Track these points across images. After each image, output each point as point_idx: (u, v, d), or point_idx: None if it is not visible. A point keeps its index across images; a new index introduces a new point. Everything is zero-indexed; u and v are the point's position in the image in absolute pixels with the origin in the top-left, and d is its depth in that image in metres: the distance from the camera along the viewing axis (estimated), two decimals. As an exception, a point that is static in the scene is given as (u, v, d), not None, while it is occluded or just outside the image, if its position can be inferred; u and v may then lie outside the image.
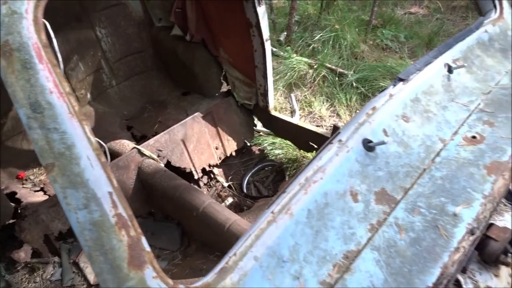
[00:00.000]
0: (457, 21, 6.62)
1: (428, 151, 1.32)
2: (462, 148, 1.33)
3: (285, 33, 5.05)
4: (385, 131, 1.33)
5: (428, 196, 1.19)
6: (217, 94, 3.61)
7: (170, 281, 0.90)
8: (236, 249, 1.01)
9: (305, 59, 4.64)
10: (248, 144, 3.67)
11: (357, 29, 5.06)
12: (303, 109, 4.29)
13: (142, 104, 3.68)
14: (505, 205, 1.38)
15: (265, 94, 3.34)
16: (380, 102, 1.39)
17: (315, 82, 4.50)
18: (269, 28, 5.41)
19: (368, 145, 1.26)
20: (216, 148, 3.38)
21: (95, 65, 3.42)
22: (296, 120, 3.59)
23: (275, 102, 4.40)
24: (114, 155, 2.89)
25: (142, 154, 2.84)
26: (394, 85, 1.47)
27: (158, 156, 2.92)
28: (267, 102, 3.38)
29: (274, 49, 4.93)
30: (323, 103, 4.29)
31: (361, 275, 1.02)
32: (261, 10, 2.81)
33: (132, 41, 3.58)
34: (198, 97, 3.64)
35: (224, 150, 3.43)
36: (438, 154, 1.32)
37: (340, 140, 1.26)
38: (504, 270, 1.22)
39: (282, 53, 4.76)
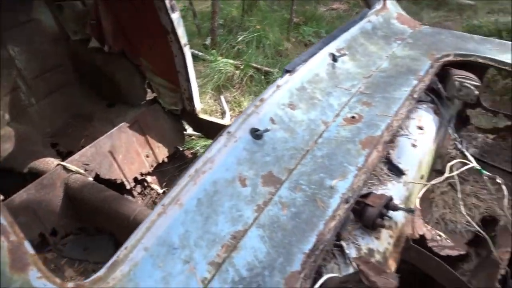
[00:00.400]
0: (375, 13, 6.98)
1: (312, 133, 1.45)
2: (342, 128, 1.47)
3: (210, 37, 5.13)
4: (272, 120, 1.44)
5: (309, 174, 1.31)
6: (143, 103, 3.62)
7: (58, 280, 0.95)
8: (127, 243, 1.07)
9: (231, 61, 4.74)
10: (180, 149, 3.71)
11: (279, 28, 5.24)
12: (233, 109, 4.39)
13: (66, 120, 3.63)
14: (388, 175, 1.53)
15: (190, 98, 3.39)
16: (268, 94, 1.50)
17: (243, 82, 4.62)
18: (194, 33, 5.50)
19: (256, 134, 1.36)
20: (147, 156, 3.40)
21: (10, 85, 3.34)
22: (224, 121, 3.68)
23: (205, 105, 4.47)
24: (39, 174, 2.84)
25: (68, 170, 2.82)
26: (282, 77, 1.59)
27: (86, 170, 2.91)
28: (193, 106, 3.44)
29: (200, 53, 5.00)
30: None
31: (247, 251, 1.11)
32: (175, 16, 2.87)
33: (48, 57, 3.52)
34: (124, 107, 3.64)
35: (156, 157, 3.45)
36: (320, 136, 1.45)
37: (229, 132, 1.35)
38: (384, 232, 1.37)
39: (208, 57, 4.84)
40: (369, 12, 2.07)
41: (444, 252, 1.75)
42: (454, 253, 1.75)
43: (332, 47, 1.78)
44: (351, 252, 1.25)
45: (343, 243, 1.25)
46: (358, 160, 1.34)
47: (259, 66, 4.73)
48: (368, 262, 1.09)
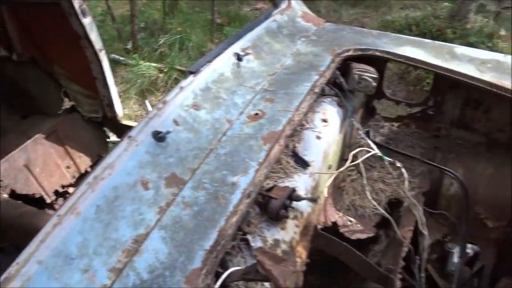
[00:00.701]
0: (297, 12, 7.18)
1: (216, 132, 1.47)
2: (246, 125, 1.50)
3: (131, 41, 5.03)
4: (175, 121, 1.44)
5: (212, 172, 1.33)
6: (60, 112, 3.48)
7: None
8: (19, 258, 1.03)
9: (154, 64, 4.68)
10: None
11: (202, 30, 5.24)
12: (159, 113, 4.33)
13: (-25, 136, 3.40)
14: (294, 168, 1.59)
15: (111, 105, 3.31)
16: (171, 96, 1.51)
17: (168, 86, 4.57)
18: (115, 37, 5.36)
19: (158, 136, 1.36)
20: (68, 167, 3.27)
21: None
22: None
23: (130, 111, 4.38)
24: None
25: (-22, 189, 2.65)
26: (186, 78, 1.60)
27: (-1, 187, 2.75)
28: (114, 112, 3.35)
29: (122, 58, 4.89)
30: (177, 104, 4.37)
31: (149, 254, 1.11)
32: (87, 21, 2.78)
33: (-49, 70, 3.28)
34: (40, 118, 3.47)
35: (77, 167, 3.34)
36: (224, 134, 1.48)
37: (130, 136, 1.34)
38: (290, 223, 1.42)
39: (130, 61, 4.74)
40: (274, 11, 2.13)
41: (354, 236, 1.85)
42: (363, 236, 1.86)
43: (237, 47, 1.81)
44: (257, 244, 1.29)
45: (249, 237, 1.29)
46: (260, 155, 1.38)
47: (183, 68, 4.71)
48: (267, 252, 1.13)
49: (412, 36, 5.31)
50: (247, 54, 1.79)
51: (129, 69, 4.66)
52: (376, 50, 2.03)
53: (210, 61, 1.70)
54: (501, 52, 4.79)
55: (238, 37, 1.88)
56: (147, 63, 4.64)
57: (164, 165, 1.32)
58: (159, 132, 1.37)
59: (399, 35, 2.24)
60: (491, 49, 4.99)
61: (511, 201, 2.04)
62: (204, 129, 1.47)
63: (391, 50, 2.02)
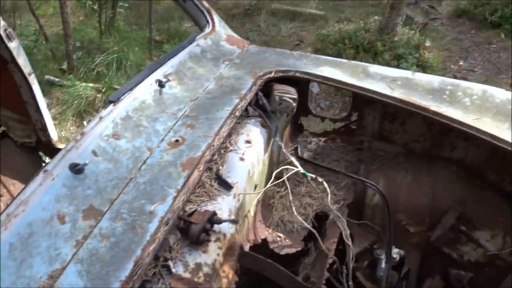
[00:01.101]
0: (238, 28, 7.30)
1: (136, 161, 1.50)
2: (166, 153, 1.54)
3: (66, 61, 4.93)
4: (94, 152, 1.46)
5: (130, 202, 1.36)
6: (-11, 139, 3.35)
7: None
8: None
9: (91, 84, 4.61)
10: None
11: (140, 48, 5.22)
12: (98, 134, 4.26)
13: None
14: (218, 190, 1.64)
15: (44, 129, 3.23)
16: (89, 127, 1.52)
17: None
18: (49, 57, 5.22)
19: (76, 169, 1.37)
20: (1, 196, 3.16)
21: None
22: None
23: (67, 133, 4.28)
24: None
25: None
26: (105, 108, 1.62)
27: None
28: (49, 136, 3.27)
29: (57, 79, 4.78)
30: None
31: (63, 289, 1.12)
32: (14, 45, 2.72)
33: None
34: (-33, 146, 3.33)
35: (11, 195, 3.22)
36: (144, 162, 1.51)
37: (45, 171, 1.34)
38: (212, 245, 1.47)
39: (65, 82, 4.64)
40: (198, 36, 2.19)
41: (284, 252, 1.93)
42: (292, 251, 1.94)
43: (159, 73, 1.85)
44: (179, 269, 1.32)
45: (170, 263, 1.32)
46: (178, 182, 1.42)
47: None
48: (182, 279, 1.18)
49: (346, 48, 5.54)
50: (169, 80, 1.83)
51: (65, 90, 4.56)
52: (297, 71, 2.14)
53: (131, 89, 1.73)
54: (427, 62, 5.11)
55: (161, 63, 1.92)
56: (84, 84, 4.57)
57: (81, 197, 1.34)
58: (76, 165, 1.38)
59: (318, 56, 2.37)
60: (418, 59, 5.32)
61: (429, 207, 2.20)
62: (124, 158, 1.50)
63: (310, 71, 2.14)
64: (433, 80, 2.13)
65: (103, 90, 4.56)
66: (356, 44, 5.41)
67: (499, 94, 2.05)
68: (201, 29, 2.33)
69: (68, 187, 1.34)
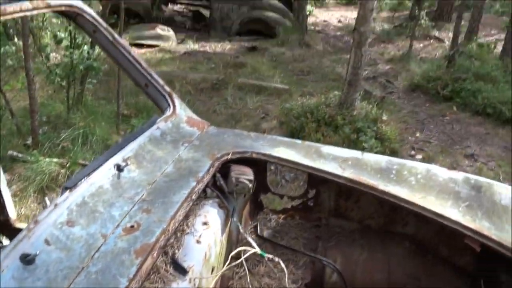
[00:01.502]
0: (206, 101, 7.55)
1: (89, 249, 1.50)
2: (120, 239, 1.56)
3: (31, 136, 4.92)
4: (47, 241, 1.46)
5: (80, 293, 1.35)
6: None
7: None
8: None
9: (55, 160, 4.59)
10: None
11: (107, 122, 5.30)
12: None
13: None
14: (173, 275, 1.64)
15: (2, 207, 3.17)
16: (43, 215, 1.53)
17: (70, 181, 4.47)
18: (14, 133, 5.21)
19: (26, 260, 1.36)
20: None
21: None
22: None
23: (27, 210, 4.18)
24: None
25: None
26: (61, 195, 1.64)
27: None
28: (7, 215, 3.20)
29: (21, 155, 4.74)
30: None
31: None
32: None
33: None
34: None
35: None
36: (98, 250, 1.51)
37: (-6, 263, 1.33)
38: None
39: (29, 158, 4.60)
40: (158, 119, 2.28)
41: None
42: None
43: (118, 157, 1.90)
44: None
45: None
46: (131, 270, 1.43)
47: (86, 163, 4.65)
48: None
49: (309, 122, 5.75)
50: (128, 164, 1.88)
51: (28, 166, 4.51)
52: (253, 152, 2.23)
53: (88, 175, 1.76)
54: (385, 135, 5.35)
55: (120, 147, 1.97)
56: (48, 159, 4.54)
57: (30, 289, 1.32)
58: (27, 255, 1.37)
59: (275, 136, 2.49)
60: (376, 132, 5.58)
61: (385, 283, 2.24)
62: (77, 246, 1.50)
63: (267, 152, 2.24)
64: (381, 160, 2.27)
65: (67, 165, 4.54)
66: (318, 118, 5.66)
67: (441, 173, 2.19)
68: (163, 112, 2.43)
69: (17, 279, 1.32)
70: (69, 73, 5.11)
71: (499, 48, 10.69)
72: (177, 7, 13.52)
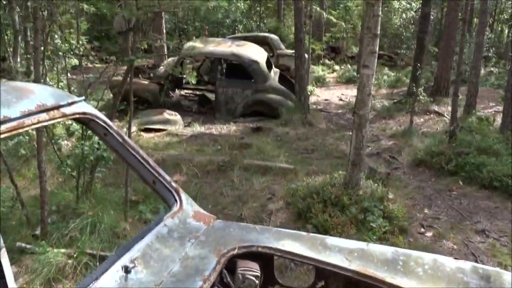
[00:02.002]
0: (212, 183, 7.64)
1: None
2: None
3: (40, 226, 4.97)
4: None
5: None
6: None
7: None
8: None
9: (63, 250, 4.59)
10: None
11: (115, 210, 5.36)
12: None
13: None
14: None
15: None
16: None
17: (77, 271, 4.43)
18: (23, 223, 5.26)
19: None
20: None
21: None
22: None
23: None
24: None
25: None
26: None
27: None
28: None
29: (29, 246, 4.76)
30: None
31: None
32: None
33: None
34: None
35: None
36: None
37: None
38: None
39: (37, 249, 4.61)
40: (165, 216, 2.34)
41: None
42: None
43: (126, 258, 1.94)
44: None
45: None
46: None
47: (94, 252, 4.65)
48: None
49: (315, 202, 5.76)
50: (135, 265, 1.91)
51: (36, 258, 4.51)
52: (259, 246, 2.26)
53: (97, 278, 1.79)
54: (392, 213, 5.34)
55: (128, 248, 2.02)
56: (55, 250, 4.54)
57: None
58: None
59: (279, 229, 2.52)
60: (384, 211, 5.57)
61: None
62: None
63: (272, 245, 2.26)
64: (386, 250, 2.28)
65: (75, 255, 4.53)
66: (324, 199, 5.68)
67: (448, 263, 2.19)
68: (170, 207, 2.49)
69: None
70: (80, 163, 5.27)
71: (498, 120, 10.94)
72: (184, 92, 14.10)
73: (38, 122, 1.95)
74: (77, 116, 2.22)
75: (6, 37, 10.98)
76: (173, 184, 2.55)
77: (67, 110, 2.16)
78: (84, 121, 2.33)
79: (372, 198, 5.69)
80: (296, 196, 6.20)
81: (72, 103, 2.20)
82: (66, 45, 5.64)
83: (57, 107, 2.09)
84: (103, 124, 2.37)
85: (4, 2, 9.89)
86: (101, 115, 2.38)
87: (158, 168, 2.52)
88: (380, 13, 5.31)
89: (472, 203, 6.91)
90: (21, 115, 1.85)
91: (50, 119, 2.01)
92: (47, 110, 2.01)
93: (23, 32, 9.23)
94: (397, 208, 5.74)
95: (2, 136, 1.75)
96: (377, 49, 5.48)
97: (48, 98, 2.06)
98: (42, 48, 5.68)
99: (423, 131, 11.28)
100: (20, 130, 1.88)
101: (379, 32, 5.45)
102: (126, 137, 2.45)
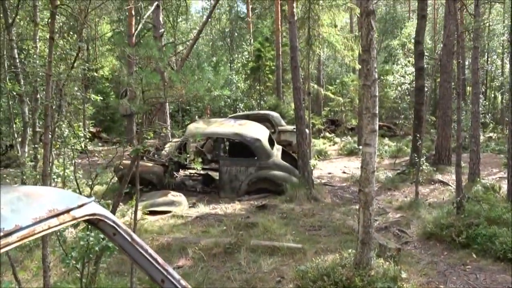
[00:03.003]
0: (219, 267, 7.45)
1: None
2: None
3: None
4: None
5: None
6: None
7: None
8: None
9: None
10: None
11: None
12: None
13: None
14: None
15: None
16: None
17: None
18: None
19: None
20: None
21: None
22: None
23: None
24: None
25: None
26: None
27: None
28: None
29: None
30: None
31: None
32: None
33: None
34: None
35: None
36: None
37: None
38: None
39: None
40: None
41: None
42: None
43: None
44: None
45: None
46: None
47: None
48: None
49: (327, 285, 5.59)
50: None
51: None
52: None
53: None
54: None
55: None
56: None
57: None
58: None
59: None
60: (398, 292, 5.38)
61: None
62: None
63: None
64: None
65: None
66: (335, 281, 5.51)
67: None
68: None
69: None
70: (85, 254, 5.18)
71: (503, 186, 10.89)
72: (188, 172, 14.22)
73: (49, 228, 1.96)
74: (87, 217, 2.23)
75: (14, 126, 11.32)
76: (182, 282, 2.49)
77: (77, 213, 2.17)
78: (93, 221, 2.34)
79: (385, 278, 5.51)
80: (306, 279, 6.01)
81: (82, 205, 2.23)
82: (75, 139, 5.80)
83: (67, 211, 2.11)
84: (112, 224, 2.37)
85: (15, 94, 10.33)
86: (110, 214, 2.39)
87: (167, 266, 2.48)
88: (377, 93, 5.50)
89: (489, 277, 6.67)
90: (33, 223, 1.87)
91: (60, 224, 2.02)
92: (57, 215, 2.03)
93: (32, 122, 9.53)
94: None
95: (14, 245, 1.75)
96: (377, 127, 5.62)
97: (58, 202, 2.09)
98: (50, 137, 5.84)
99: (430, 202, 11.20)
100: (31, 238, 1.88)
101: (377, 112, 5.61)
102: (134, 236, 2.44)
